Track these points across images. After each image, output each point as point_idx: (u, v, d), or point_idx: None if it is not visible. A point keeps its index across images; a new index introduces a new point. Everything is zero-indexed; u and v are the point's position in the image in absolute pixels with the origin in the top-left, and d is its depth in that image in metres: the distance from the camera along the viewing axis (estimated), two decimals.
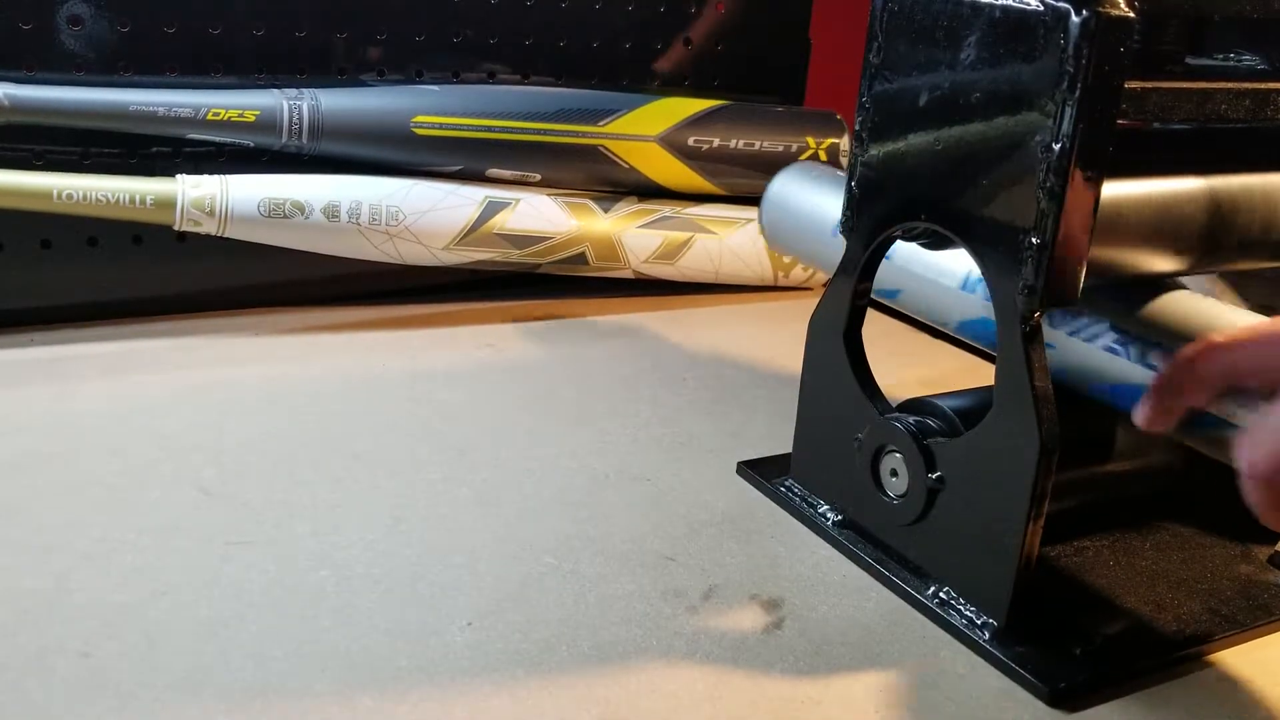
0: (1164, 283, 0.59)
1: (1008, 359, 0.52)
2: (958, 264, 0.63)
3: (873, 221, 0.57)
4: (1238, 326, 0.50)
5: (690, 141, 0.93)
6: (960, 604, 0.55)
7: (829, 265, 0.67)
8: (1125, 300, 0.58)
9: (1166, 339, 0.55)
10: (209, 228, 0.79)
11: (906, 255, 0.60)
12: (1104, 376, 0.56)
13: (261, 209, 0.79)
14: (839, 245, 0.61)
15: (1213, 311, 0.56)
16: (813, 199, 0.73)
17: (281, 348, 0.82)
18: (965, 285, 0.62)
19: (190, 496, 0.60)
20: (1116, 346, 0.55)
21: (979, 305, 0.61)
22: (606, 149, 0.90)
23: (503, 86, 0.91)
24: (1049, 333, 0.57)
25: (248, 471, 0.63)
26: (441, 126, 0.85)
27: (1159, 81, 0.52)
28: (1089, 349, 0.57)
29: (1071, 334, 0.58)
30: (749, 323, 0.94)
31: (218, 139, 0.81)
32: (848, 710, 0.49)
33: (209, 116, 0.79)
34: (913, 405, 0.59)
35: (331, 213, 0.81)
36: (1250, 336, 0.47)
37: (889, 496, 0.58)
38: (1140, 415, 0.51)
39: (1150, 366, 0.54)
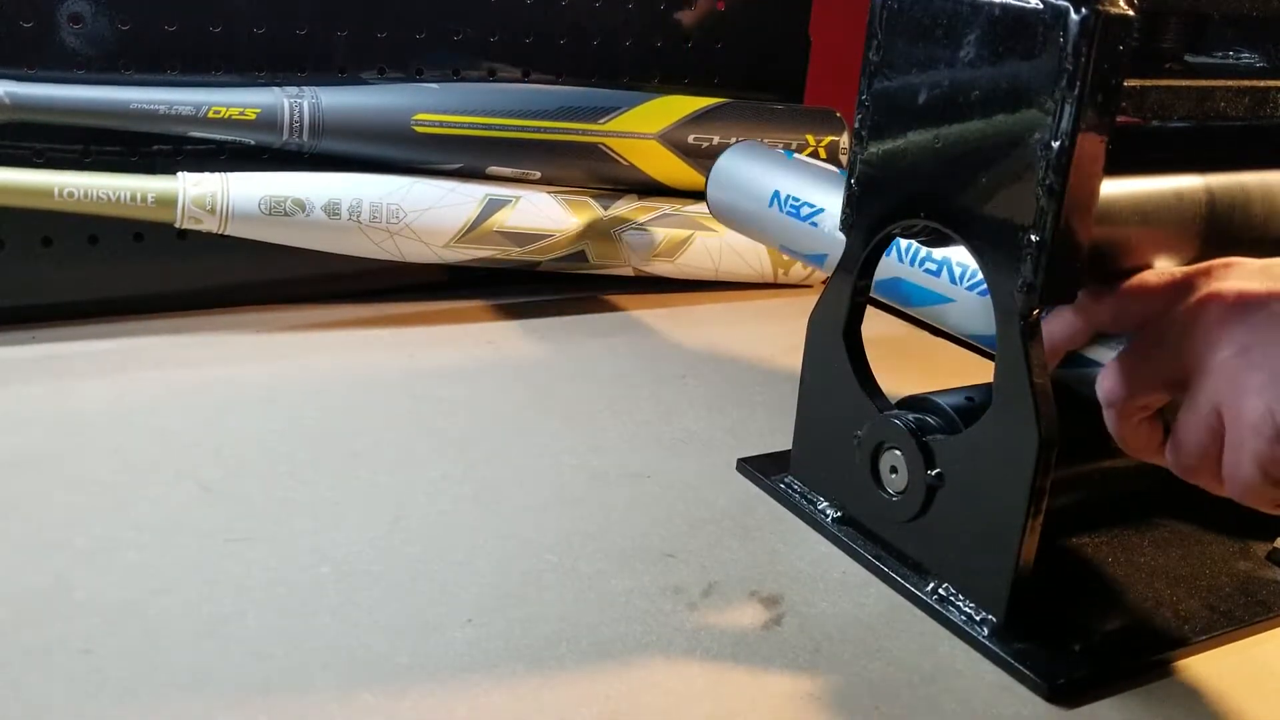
0: None
1: (1007, 356, 0.52)
2: None
3: (872, 219, 0.58)
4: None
5: (690, 139, 0.93)
6: (959, 600, 0.55)
7: (768, 235, 0.80)
8: None
9: None
10: (210, 225, 0.79)
11: None
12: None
13: (262, 207, 0.79)
14: (775, 218, 0.73)
15: None
16: (753, 174, 0.81)
17: (282, 345, 0.82)
18: None
19: (191, 494, 0.61)
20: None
21: None
22: (606, 147, 0.90)
23: (503, 84, 0.91)
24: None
25: (248, 469, 0.64)
26: (442, 124, 0.85)
27: (1158, 79, 0.52)
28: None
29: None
30: (748, 320, 0.94)
31: (218, 137, 0.81)
32: (847, 706, 0.49)
33: (210, 114, 0.79)
34: (912, 402, 0.59)
35: (332, 210, 0.81)
36: (1119, 290, 0.53)
37: (888, 493, 0.58)
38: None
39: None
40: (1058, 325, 0.55)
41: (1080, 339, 0.55)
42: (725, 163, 0.84)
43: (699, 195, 0.95)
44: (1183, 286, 0.51)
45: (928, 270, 0.67)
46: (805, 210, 0.76)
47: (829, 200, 0.74)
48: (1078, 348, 0.56)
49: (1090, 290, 0.54)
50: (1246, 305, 0.48)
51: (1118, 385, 0.51)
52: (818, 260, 0.75)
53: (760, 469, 0.67)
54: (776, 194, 0.77)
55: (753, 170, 0.82)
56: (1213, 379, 0.47)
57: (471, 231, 0.86)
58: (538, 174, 0.90)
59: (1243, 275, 0.49)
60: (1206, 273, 0.50)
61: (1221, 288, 0.49)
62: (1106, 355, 0.54)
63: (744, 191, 0.82)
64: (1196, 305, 0.49)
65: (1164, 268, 0.54)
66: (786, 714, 0.48)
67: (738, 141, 0.88)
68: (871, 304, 0.61)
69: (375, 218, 0.82)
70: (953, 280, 0.66)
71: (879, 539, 0.59)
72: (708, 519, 0.62)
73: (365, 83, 0.87)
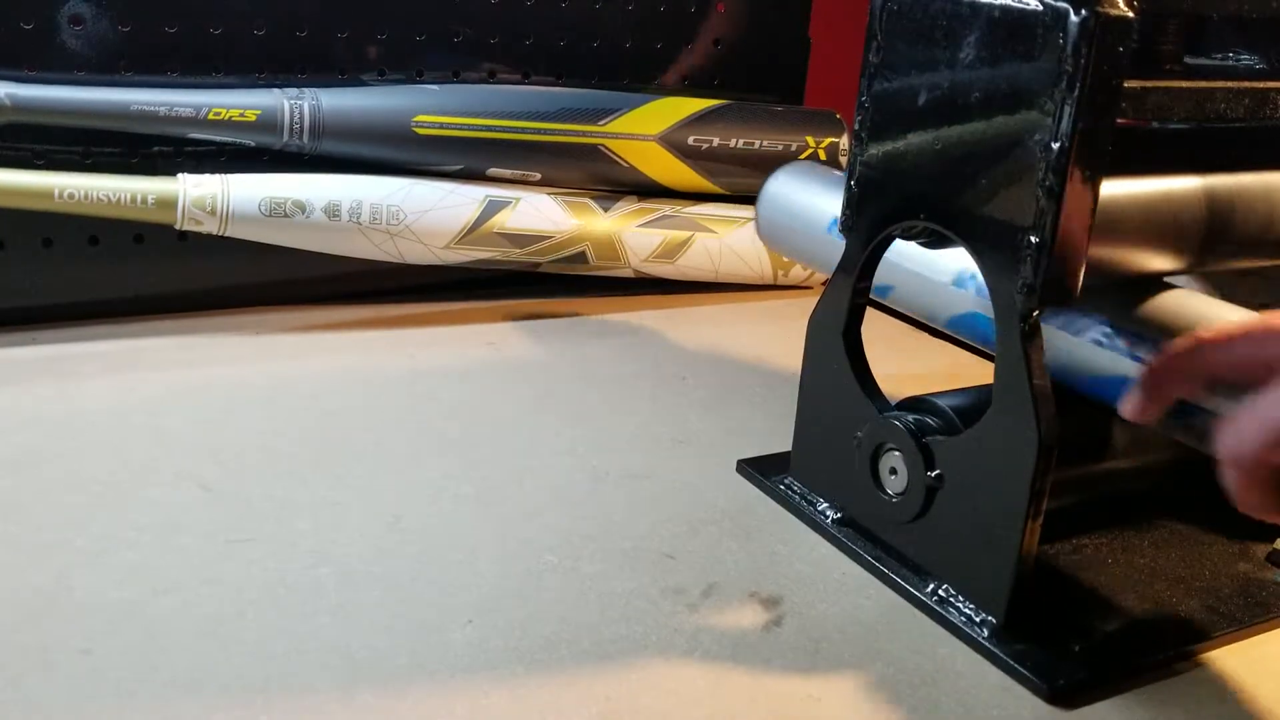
0: (1162, 282, 0.59)
1: (1006, 357, 0.52)
2: (948, 260, 0.63)
3: (872, 220, 0.58)
4: (1224, 322, 0.50)
5: (690, 141, 0.93)
6: (959, 601, 0.55)
7: (824, 263, 0.70)
8: (1124, 298, 0.58)
9: (1162, 336, 0.55)
10: (210, 227, 0.79)
11: (897, 251, 0.61)
12: (1090, 369, 0.57)
13: (262, 208, 0.79)
14: (833, 243, 0.63)
15: (1210, 309, 0.56)
16: (808, 198, 0.74)
17: (282, 346, 0.82)
18: (957, 281, 0.63)
19: (191, 494, 0.61)
20: (1103, 339, 0.56)
21: (970, 300, 0.62)
22: (607, 148, 0.91)
23: (503, 86, 0.91)
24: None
25: (248, 469, 0.64)
26: (442, 126, 0.85)
27: (1158, 81, 0.52)
28: (1076, 342, 0.57)
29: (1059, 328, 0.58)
30: (749, 321, 0.94)
31: (219, 138, 0.81)
32: (847, 707, 0.49)
33: (210, 116, 0.79)
34: (912, 403, 0.59)
35: (332, 212, 0.81)
36: (1236, 332, 0.48)
37: (888, 494, 0.58)
38: (1127, 407, 0.51)
39: (1137, 359, 0.54)
40: (1168, 368, 0.49)
41: (1196, 384, 0.50)
42: (776, 184, 0.77)
43: (699, 197, 0.96)
44: None
45: None
46: None
47: None
48: (1191, 395, 0.50)
49: (1213, 331, 0.48)
50: None
51: (1245, 441, 0.44)
52: (880, 292, 0.66)
53: (760, 470, 0.67)
54: (836, 221, 0.67)
55: (808, 193, 0.74)
56: None
57: (472, 233, 0.86)
58: (538, 175, 0.90)
59: None
60: None
61: None
62: (1224, 404, 0.49)
63: (798, 216, 0.74)
64: None
65: None
66: (786, 715, 0.48)
67: (790, 162, 0.81)
68: (871, 304, 0.61)
69: (375, 219, 0.83)
70: None
71: (879, 540, 0.59)
72: (708, 520, 0.62)
73: (365, 84, 0.87)
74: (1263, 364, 0.46)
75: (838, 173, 0.76)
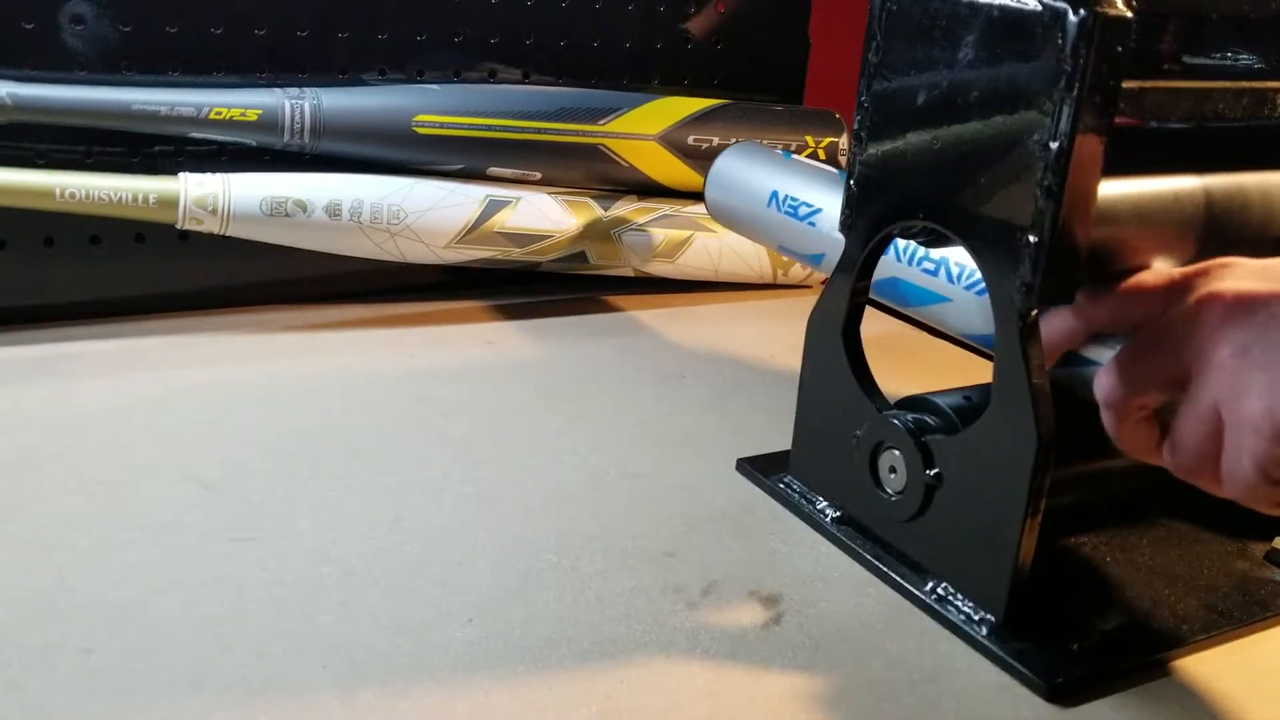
0: None
1: (1005, 356, 0.52)
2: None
3: (871, 220, 0.58)
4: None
5: (690, 140, 0.93)
6: (958, 600, 0.55)
7: (765, 234, 0.81)
8: None
9: None
10: (211, 226, 0.79)
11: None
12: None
13: (263, 207, 0.79)
14: (771, 217, 0.76)
15: None
16: (751, 174, 0.82)
17: (283, 346, 0.82)
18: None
19: (191, 494, 0.61)
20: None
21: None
22: (607, 148, 0.91)
23: (503, 85, 0.91)
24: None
25: (248, 469, 0.64)
26: (442, 125, 0.85)
27: (1157, 80, 0.52)
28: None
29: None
30: (748, 320, 0.94)
31: (220, 138, 0.81)
32: (846, 706, 0.49)
33: (211, 115, 0.79)
34: (911, 402, 0.59)
35: (333, 211, 0.81)
36: (1112, 291, 0.53)
37: (887, 493, 0.58)
38: None
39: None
40: (1055, 325, 0.55)
41: (1077, 339, 0.55)
42: (723, 164, 0.84)
43: (699, 196, 0.95)
44: (1181, 287, 0.51)
45: (925, 270, 0.67)
46: (804, 210, 0.76)
47: (827, 200, 0.75)
48: (1075, 348, 0.56)
49: (1088, 290, 0.54)
50: (1246, 306, 0.48)
51: (1116, 385, 0.51)
52: (815, 260, 0.75)
53: (760, 469, 0.67)
54: (775, 194, 0.78)
55: (751, 171, 0.82)
56: (1212, 379, 0.47)
57: (472, 232, 0.86)
58: (538, 175, 0.90)
59: (1241, 276, 0.50)
60: (1205, 273, 0.51)
61: (1221, 288, 0.49)
62: (1104, 355, 0.54)
63: (742, 192, 0.82)
64: (1196, 305, 0.49)
65: (1162, 268, 0.54)
66: (786, 714, 0.48)
67: (736, 142, 0.88)
68: (870, 304, 0.61)
69: (376, 218, 0.83)
70: (950, 280, 0.66)
71: (878, 539, 0.59)
72: (707, 519, 0.63)
73: (366, 84, 0.87)
74: (1133, 318, 0.53)
75: (777, 151, 0.84)
